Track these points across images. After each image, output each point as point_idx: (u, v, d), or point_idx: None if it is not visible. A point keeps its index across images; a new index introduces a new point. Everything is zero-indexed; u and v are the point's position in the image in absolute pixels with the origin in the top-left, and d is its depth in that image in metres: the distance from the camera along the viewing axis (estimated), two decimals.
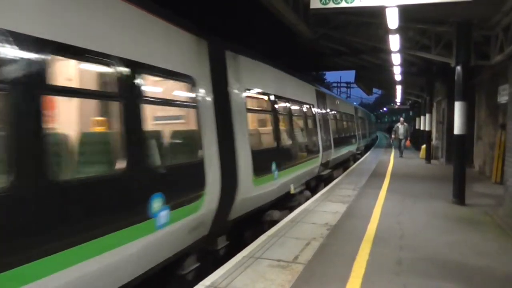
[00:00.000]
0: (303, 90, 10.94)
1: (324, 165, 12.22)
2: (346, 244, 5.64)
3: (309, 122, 10.95)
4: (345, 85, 56.25)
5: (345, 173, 14.32)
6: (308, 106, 11.00)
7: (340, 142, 15.30)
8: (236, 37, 8.36)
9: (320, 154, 11.42)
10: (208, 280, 4.34)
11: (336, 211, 7.74)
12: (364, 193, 9.86)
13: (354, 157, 20.29)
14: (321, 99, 12.94)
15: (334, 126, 14.81)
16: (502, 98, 10.21)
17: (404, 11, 7.77)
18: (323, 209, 7.96)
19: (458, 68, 8.61)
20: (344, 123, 17.99)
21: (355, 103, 31.90)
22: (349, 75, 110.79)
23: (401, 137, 20.39)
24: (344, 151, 16.49)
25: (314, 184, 11.27)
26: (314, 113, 11.53)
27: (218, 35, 5.98)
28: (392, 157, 19.98)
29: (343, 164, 16.87)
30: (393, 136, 21.91)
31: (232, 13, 13.81)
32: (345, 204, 8.46)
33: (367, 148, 28.84)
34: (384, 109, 76.53)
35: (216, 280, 4.34)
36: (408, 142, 20.98)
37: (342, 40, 13.72)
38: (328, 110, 13.89)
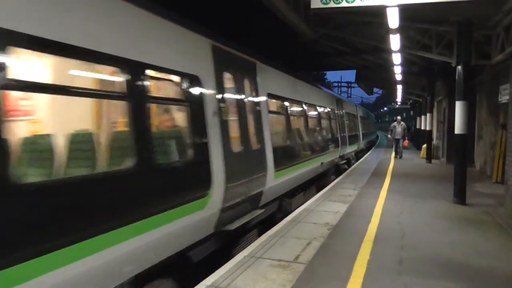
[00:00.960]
0: (149, 36, 4.36)
1: (241, 205, 6.06)
2: (347, 244, 5.64)
3: (180, 119, 4.98)
4: (345, 84, 56.35)
5: (346, 172, 14.30)
6: (184, 82, 4.87)
7: (297, 153, 9.35)
8: (236, 37, 8.33)
9: (217, 191, 5.21)
10: (209, 280, 4.35)
11: (337, 211, 7.73)
12: (365, 192, 9.85)
13: (338, 168, 15.18)
14: (236, 72, 6.40)
15: (283, 126, 8.83)
16: (503, 98, 10.21)
17: (405, 10, 7.78)
18: (323, 209, 7.96)
19: (459, 67, 8.60)
20: (314, 121, 11.80)
21: (356, 103, 27.99)
22: (349, 75, 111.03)
23: (398, 137, 19.30)
24: (310, 165, 10.28)
25: (214, 248, 5.45)
26: (204, 98, 5.20)
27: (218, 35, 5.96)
28: (392, 157, 19.93)
29: (316, 182, 11.60)
30: (389, 136, 20.80)
31: (232, 13, 13.82)
32: (346, 203, 8.46)
33: (365, 152, 24.57)
34: (385, 108, 76.57)
35: (217, 280, 4.35)
36: (406, 142, 20.39)
37: (343, 39, 13.73)
38: (266, 98, 7.61)
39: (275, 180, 7.48)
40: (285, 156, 8.45)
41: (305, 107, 10.82)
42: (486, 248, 5.61)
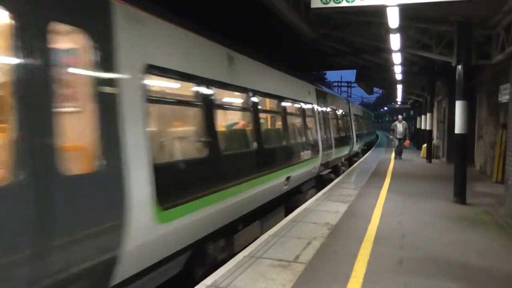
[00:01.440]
0: None
1: None
2: (347, 244, 5.64)
3: None
4: (345, 84, 56.38)
5: (346, 172, 14.30)
6: None
7: (227, 169, 5.75)
8: (236, 38, 8.32)
9: None
10: (209, 280, 4.34)
11: (337, 211, 7.73)
12: (365, 192, 9.85)
13: (320, 179, 12.41)
14: (17, 9, 2.65)
15: (195, 125, 5.37)
16: (503, 98, 10.21)
17: (405, 10, 7.77)
18: (324, 209, 7.95)
19: (459, 67, 8.60)
20: (271, 119, 9.00)
21: (345, 95, 26.98)
22: (349, 75, 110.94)
23: (399, 136, 18.72)
24: (261, 185, 6.88)
25: None
26: None
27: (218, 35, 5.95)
28: (393, 156, 19.88)
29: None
30: (391, 136, 20.18)
31: (232, 13, 13.81)
32: (346, 203, 8.45)
33: (360, 156, 22.40)
34: (385, 108, 76.60)
35: (217, 279, 4.35)
36: (407, 142, 20.03)
37: (343, 39, 13.73)
38: (138, 74, 3.96)
39: (159, 227, 4.02)
40: (195, 178, 4.88)
41: (251, 97, 6.94)
42: (486, 248, 5.61)
